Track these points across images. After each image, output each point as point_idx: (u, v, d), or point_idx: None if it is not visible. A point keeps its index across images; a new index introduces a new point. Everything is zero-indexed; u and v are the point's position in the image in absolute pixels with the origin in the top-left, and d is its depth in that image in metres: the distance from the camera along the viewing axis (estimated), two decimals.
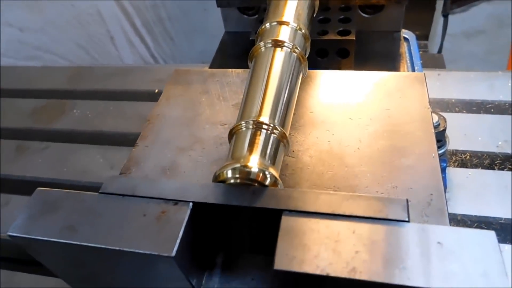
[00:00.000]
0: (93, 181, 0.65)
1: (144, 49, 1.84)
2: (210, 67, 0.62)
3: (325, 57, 0.56)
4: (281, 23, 0.40)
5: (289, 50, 0.38)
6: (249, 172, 0.29)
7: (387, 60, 0.58)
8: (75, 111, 0.79)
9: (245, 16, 0.64)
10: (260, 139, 0.31)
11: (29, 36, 1.78)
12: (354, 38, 0.53)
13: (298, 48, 0.38)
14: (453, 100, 0.68)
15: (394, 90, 0.42)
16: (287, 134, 0.33)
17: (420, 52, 1.26)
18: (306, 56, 0.41)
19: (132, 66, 0.87)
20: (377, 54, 0.59)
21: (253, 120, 0.31)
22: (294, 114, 0.40)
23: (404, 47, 0.73)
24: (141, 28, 1.79)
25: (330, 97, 0.42)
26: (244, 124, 0.32)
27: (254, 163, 0.30)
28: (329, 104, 0.41)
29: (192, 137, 0.41)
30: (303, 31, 0.41)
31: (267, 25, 0.41)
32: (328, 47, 0.55)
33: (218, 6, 0.63)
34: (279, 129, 0.32)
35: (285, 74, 0.35)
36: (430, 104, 0.40)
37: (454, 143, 0.61)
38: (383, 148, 0.36)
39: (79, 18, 1.66)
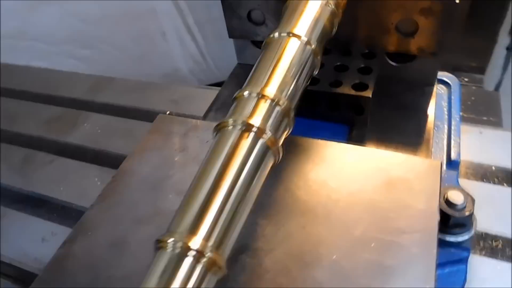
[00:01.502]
0: (85, 206, 0.62)
1: (194, 47, 1.85)
2: (213, 102, 0.57)
3: (337, 111, 0.49)
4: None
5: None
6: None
7: (410, 118, 0.49)
8: (85, 124, 0.77)
9: (259, 49, 0.58)
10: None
11: (87, 26, 1.85)
12: (371, 96, 0.46)
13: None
14: (493, 168, 0.58)
15: (398, 181, 0.34)
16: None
17: (474, 87, 1.13)
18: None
19: (151, 82, 0.84)
20: (400, 109, 0.50)
21: None
22: (270, 195, 0.34)
23: (444, 94, 0.63)
24: (193, 26, 1.79)
25: (318, 179, 0.35)
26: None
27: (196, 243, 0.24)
28: (316, 188, 0.34)
29: (153, 207, 0.36)
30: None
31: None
32: (341, 101, 0.48)
33: (230, 37, 0.57)
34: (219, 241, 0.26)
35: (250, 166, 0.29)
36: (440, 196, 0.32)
37: (485, 223, 0.51)
38: (366, 264, 0.29)
39: (134, 13, 1.70)
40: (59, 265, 0.32)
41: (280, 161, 0.31)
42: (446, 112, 0.62)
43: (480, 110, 0.79)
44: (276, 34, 0.36)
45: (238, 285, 0.29)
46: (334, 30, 0.42)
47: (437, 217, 0.31)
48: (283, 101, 0.31)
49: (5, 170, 0.71)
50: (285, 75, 0.33)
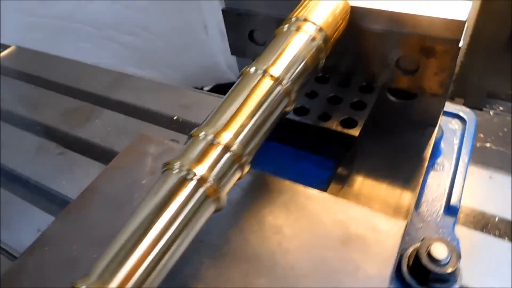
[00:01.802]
0: None
1: None
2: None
3: (324, 144, 0.47)
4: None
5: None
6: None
7: (403, 160, 0.46)
8: (97, 120, 0.79)
9: None
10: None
11: (132, 14, 1.91)
12: (357, 134, 0.43)
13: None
14: (496, 219, 0.53)
15: (356, 238, 0.32)
16: None
17: (508, 118, 1.06)
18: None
19: (164, 84, 0.86)
20: (395, 149, 0.48)
21: None
22: (223, 235, 0.33)
23: (457, 131, 0.60)
24: None
25: (274, 225, 0.34)
26: None
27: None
28: (269, 235, 0.33)
29: (109, 232, 0.36)
30: None
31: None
32: (328, 136, 0.46)
33: (232, 54, 0.56)
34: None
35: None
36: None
37: (478, 279, 0.48)
38: None
39: (179, 4, 1.74)
40: (11, 277, 0.33)
41: (243, 199, 0.31)
42: (455, 151, 0.58)
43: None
44: (252, 70, 0.35)
45: None
46: (321, 63, 0.40)
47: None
48: (237, 147, 0.30)
49: (19, 157, 0.75)
50: (245, 119, 0.32)
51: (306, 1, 0.43)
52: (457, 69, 1.11)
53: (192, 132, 0.31)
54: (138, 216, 0.27)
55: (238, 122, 0.31)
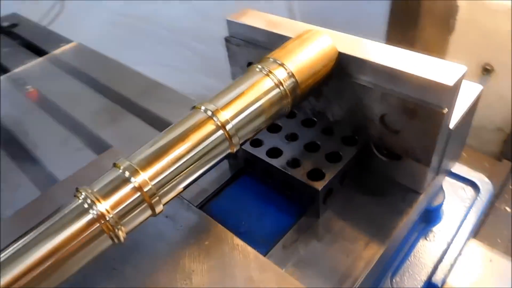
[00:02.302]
0: None
1: None
2: None
3: (290, 191, 0.45)
4: None
5: None
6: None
7: (372, 227, 0.42)
8: (121, 123, 0.83)
9: None
10: None
11: (209, 25, 2.01)
12: (320, 189, 0.40)
13: None
14: None
15: None
16: None
17: None
18: None
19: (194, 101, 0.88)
20: (367, 211, 0.44)
21: None
22: (137, 266, 0.33)
23: (467, 199, 0.54)
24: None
25: (186, 270, 0.33)
26: None
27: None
28: (176, 278, 0.32)
29: None
30: None
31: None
32: (292, 184, 0.43)
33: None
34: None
35: None
36: None
37: None
38: None
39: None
40: None
41: (172, 237, 0.30)
42: (458, 222, 0.52)
43: None
44: (202, 108, 0.35)
45: None
46: (286, 108, 0.38)
47: None
48: (149, 188, 0.30)
49: (46, 148, 0.81)
50: (171, 159, 0.31)
51: (295, 40, 0.41)
52: (508, 128, 1.00)
53: (116, 161, 0.31)
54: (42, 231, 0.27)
55: (160, 162, 0.31)
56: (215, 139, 0.33)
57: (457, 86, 0.36)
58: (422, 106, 0.37)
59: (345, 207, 0.45)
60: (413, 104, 0.37)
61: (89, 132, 0.83)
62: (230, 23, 0.51)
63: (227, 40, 0.52)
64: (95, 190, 0.29)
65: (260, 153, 0.45)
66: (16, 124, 0.86)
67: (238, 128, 0.35)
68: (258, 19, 0.49)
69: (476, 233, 0.56)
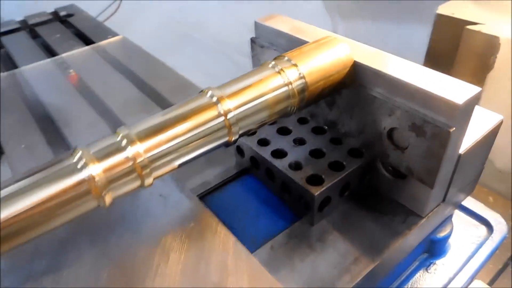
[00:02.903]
0: None
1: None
2: None
3: (287, 195, 0.45)
4: None
5: None
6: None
7: (366, 244, 0.41)
8: (145, 115, 0.86)
9: None
10: None
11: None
12: (315, 194, 0.40)
13: None
14: None
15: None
16: None
17: None
18: None
19: None
20: (364, 227, 0.43)
21: None
22: (122, 237, 0.34)
23: (477, 238, 0.52)
24: None
25: (166, 246, 0.33)
26: None
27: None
28: (153, 251, 0.33)
29: None
30: None
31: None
32: (290, 186, 0.43)
33: None
34: None
35: None
36: None
37: None
38: None
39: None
40: None
41: (166, 217, 0.31)
42: (463, 260, 0.50)
43: None
44: (209, 93, 0.36)
45: None
46: (292, 108, 0.39)
47: None
48: (142, 160, 0.31)
49: (74, 127, 0.85)
50: (168, 137, 0.32)
51: (312, 44, 0.42)
52: None
53: (118, 129, 0.33)
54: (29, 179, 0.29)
55: (157, 137, 0.32)
56: (214, 125, 0.34)
57: (467, 106, 0.35)
58: (429, 123, 0.36)
59: (341, 220, 0.44)
60: (421, 120, 0.37)
61: (116, 118, 0.86)
62: (257, 25, 0.52)
63: (252, 40, 0.53)
64: (91, 151, 0.30)
65: (265, 152, 0.46)
66: (53, 102, 0.91)
67: (240, 118, 0.35)
68: (284, 24, 0.50)
69: (493, 281, 0.53)
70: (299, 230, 0.43)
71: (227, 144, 0.36)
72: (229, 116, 0.35)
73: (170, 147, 0.32)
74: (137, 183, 0.31)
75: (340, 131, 0.47)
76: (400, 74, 0.38)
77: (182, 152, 0.33)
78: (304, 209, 0.43)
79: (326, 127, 0.49)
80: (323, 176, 0.42)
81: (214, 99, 0.35)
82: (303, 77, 0.38)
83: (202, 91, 0.36)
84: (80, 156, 0.30)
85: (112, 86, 0.98)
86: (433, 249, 0.51)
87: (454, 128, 0.35)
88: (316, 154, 0.45)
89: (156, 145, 0.32)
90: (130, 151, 0.31)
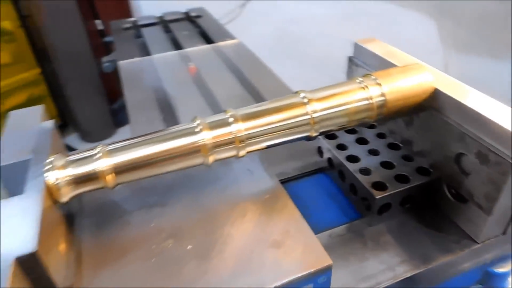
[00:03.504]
0: None
1: None
2: None
3: (354, 194, 0.51)
4: None
5: None
6: None
7: (415, 251, 0.46)
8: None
9: None
10: None
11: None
12: (377, 198, 0.46)
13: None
14: None
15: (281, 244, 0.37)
16: None
17: None
18: None
19: None
20: (417, 239, 0.47)
21: None
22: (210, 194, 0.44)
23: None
24: None
25: (239, 207, 0.42)
26: None
27: None
28: (228, 209, 0.42)
29: None
30: None
31: None
32: (355, 186, 0.49)
33: None
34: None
35: None
36: None
37: None
38: None
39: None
40: None
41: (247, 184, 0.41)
42: None
43: None
44: (302, 95, 0.44)
45: None
46: (369, 120, 0.45)
47: None
48: (241, 136, 0.40)
49: (184, 111, 1.00)
50: (264, 122, 0.41)
51: (399, 68, 0.48)
52: None
53: (228, 109, 0.43)
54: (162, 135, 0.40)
55: (255, 121, 0.41)
56: (301, 120, 0.42)
57: None
58: (493, 152, 0.40)
59: (398, 227, 0.49)
60: (487, 149, 0.41)
61: (221, 109, 0.99)
62: (356, 46, 0.59)
63: (350, 59, 0.60)
64: (206, 121, 0.41)
65: (341, 155, 0.52)
66: (172, 87, 1.07)
67: (323, 119, 0.43)
68: (380, 48, 0.56)
69: None
70: (357, 227, 0.49)
71: (308, 138, 0.44)
72: (314, 115, 0.42)
73: (263, 130, 0.41)
74: (234, 152, 0.41)
75: (413, 150, 0.52)
76: (473, 104, 0.42)
77: (271, 136, 0.42)
78: (365, 210, 0.49)
79: (402, 145, 0.54)
80: (387, 184, 0.47)
81: (305, 100, 0.43)
82: (383, 95, 0.44)
83: (296, 92, 0.45)
84: (198, 124, 0.40)
85: (221, 81, 1.11)
86: (490, 281, 0.52)
87: None
88: (386, 165, 0.51)
89: (253, 126, 0.41)
90: (234, 127, 0.40)
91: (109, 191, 0.44)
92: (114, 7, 2.36)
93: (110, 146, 0.38)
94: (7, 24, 2.29)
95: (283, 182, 0.56)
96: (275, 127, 0.42)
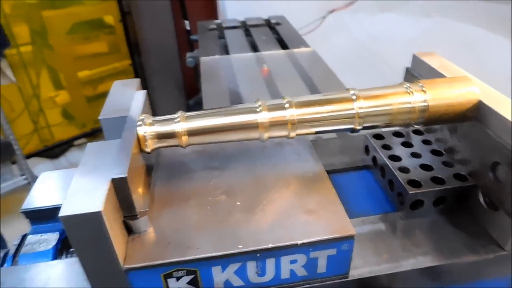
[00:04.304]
0: None
1: None
2: None
3: (392, 189, 0.55)
4: None
5: None
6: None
7: (440, 246, 0.49)
8: None
9: None
10: None
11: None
12: (410, 193, 0.50)
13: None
14: None
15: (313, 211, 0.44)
16: None
17: None
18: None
19: None
20: (446, 237, 0.51)
21: None
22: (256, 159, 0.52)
23: None
24: None
25: (281, 176, 0.49)
26: None
27: None
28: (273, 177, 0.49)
29: None
30: None
31: None
32: (393, 181, 0.54)
33: None
34: None
35: None
36: None
37: None
38: None
39: None
40: None
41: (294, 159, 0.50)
42: None
43: None
44: (351, 92, 0.50)
45: None
46: (411, 122, 0.50)
47: None
48: (294, 119, 0.47)
49: None
50: (316, 110, 0.48)
51: (447, 78, 0.52)
52: None
53: (285, 96, 0.50)
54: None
55: (307, 109, 0.48)
56: (347, 113, 0.48)
57: None
58: None
59: (429, 225, 0.52)
60: None
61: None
62: (414, 58, 0.64)
63: (407, 70, 0.65)
64: (266, 104, 0.48)
65: (385, 154, 0.57)
66: (244, 84, 1.17)
67: (367, 115, 0.49)
68: (436, 61, 0.60)
69: None
70: (390, 218, 0.54)
71: (352, 131, 0.50)
72: (359, 111, 0.48)
73: (312, 117, 0.48)
74: (286, 132, 0.48)
75: (455, 157, 0.55)
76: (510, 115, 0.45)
77: (319, 124, 0.48)
78: (400, 204, 0.54)
79: (444, 152, 0.57)
80: (422, 183, 0.52)
81: (354, 96, 0.49)
82: (426, 101, 0.49)
83: (347, 89, 0.51)
84: (260, 105, 0.48)
85: (290, 85, 1.19)
86: None
87: None
88: (425, 167, 0.55)
89: (304, 113, 0.48)
90: (288, 112, 0.48)
91: (182, 154, 0.54)
92: (203, 8, 2.55)
93: (187, 114, 0.48)
94: (109, 19, 2.58)
95: (329, 172, 0.63)
96: (323, 116, 0.48)
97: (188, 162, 0.53)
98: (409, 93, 0.50)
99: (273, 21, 1.61)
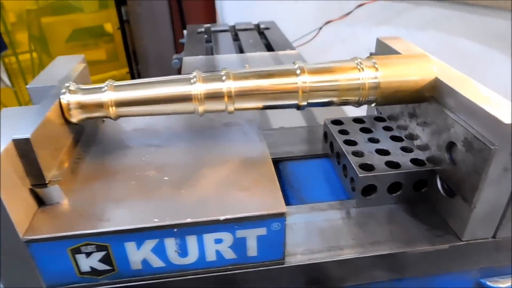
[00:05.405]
0: None
1: None
2: None
3: (345, 177, 0.51)
4: None
5: None
6: None
7: (395, 235, 0.45)
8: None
9: None
10: None
11: None
12: (359, 176, 0.46)
13: None
14: None
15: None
16: None
17: None
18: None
19: None
20: (402, 226, 0.46)
21: None
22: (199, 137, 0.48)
23: None
24: None
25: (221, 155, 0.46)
26: None
27: None
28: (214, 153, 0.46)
29: None
30: None
31: None
32: (348, 170, 0.50)
33: None
34: None
35: None
36: None
37: None
38: None
39: None
40: None
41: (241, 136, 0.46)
42: None
43: None
44: (297, 65, 0.47)
45: None
46: (360, 100, 0.46)
47: None
48: (231, 91, 0.44)
49: None
50: (254, 82, 0.45)
51: (403, 55, 0.49)
52: None
53: (223, 70, 0.47)
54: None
55: (249, 81, 0.45)
56: (290, 88, 0.45)
57: None
58: (477, 139, 0.39)
59: (383, 213, 0.48)
60: (472, 136, 0.40)
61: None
62: (378, 41, 0.60)
63: (371, 53, 0.62)
64: (202, 75, 0.45)
65: (340, 139, 0.54)
66: None
67: (312, 89, 0.45)
68: (400, 44, 0.57)
69: None
70: (341, 206, 0.49)
71: (297, 107, 0.46)
72: (303, 85, 0.45)
73: (251, 91, 0.45)
74: (223, 106, 0.45)
75: (415, 144, 0.51)
76: (467, 93, 0.42)
77: (260, 97, 0.45)
78: (352, 190, 0.49)
79: (404, 138, 0.53)
80: (374, 167, 0.48)
81: (298, 70, 0.46)
82: (376, 78, 0.46)
83: (294, 62, 0.48)
84: (194, 75, 0.45)
85: None
86: None
87: (496, 147, 0.37)
88: (382, 152, 0.51)
89: (243, 86, 0.45)
90: (225, 84, 0.44)
91: (123, 131, 0.51)
92: (202, 17, 2.55)
93: (117, 83, 0.45)
94: (108, 26, 2.60)
95: (286, 160, 0.59)
96: (264, 90, 0.45)
97: (127, 139, 0.50)
98: (359, 69, 0.46)
99: (262, 26, 1.60)
